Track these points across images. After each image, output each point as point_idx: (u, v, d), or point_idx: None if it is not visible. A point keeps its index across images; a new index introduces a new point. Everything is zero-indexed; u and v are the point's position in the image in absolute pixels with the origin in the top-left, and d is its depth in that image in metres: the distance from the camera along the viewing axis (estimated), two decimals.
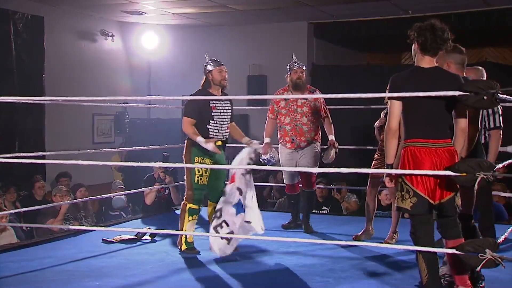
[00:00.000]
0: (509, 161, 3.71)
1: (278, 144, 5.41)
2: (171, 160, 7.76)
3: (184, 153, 4.58)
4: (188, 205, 4.49)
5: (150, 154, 7.22)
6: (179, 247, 4.54)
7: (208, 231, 4.42)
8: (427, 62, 3.18)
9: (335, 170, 3.32)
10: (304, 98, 5.23)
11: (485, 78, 4.39)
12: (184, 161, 4.57)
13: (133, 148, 6.64)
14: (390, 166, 3.22)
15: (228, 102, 4.61)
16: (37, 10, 8.47)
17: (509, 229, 3.44)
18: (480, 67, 4.36)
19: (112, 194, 6.85)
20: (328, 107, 5.42)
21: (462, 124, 3.18)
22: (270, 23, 10.07)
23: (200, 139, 4.37)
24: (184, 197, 4.56)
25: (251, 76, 10.30)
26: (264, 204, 8.25)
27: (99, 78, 9.63)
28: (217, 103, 4.50)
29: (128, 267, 4.16)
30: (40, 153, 6.14)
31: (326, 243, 4.61)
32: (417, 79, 3.15)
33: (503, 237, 3.18)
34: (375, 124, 4.93)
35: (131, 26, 10.34)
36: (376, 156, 4.89)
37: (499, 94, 2.95)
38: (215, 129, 4.50)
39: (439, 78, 3.14)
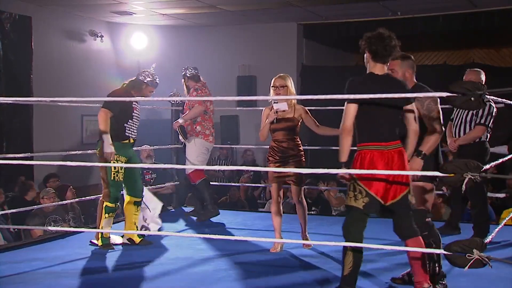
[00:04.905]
0: (497, 161, 3.75)
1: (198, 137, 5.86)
2: (158, 160, 7.75)
3: (99, 150, 4.64)
4: (105, 203, 4.63)
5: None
6: (96, 243, 4.69)
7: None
8: (378, 69, 3.34)
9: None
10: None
11: (483, 80, 4.62)
12: (98, 158, 4.69)
13: None
14: (344, 164, 3.28)
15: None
16: (24, 10, 8.41)
17: (496, 229, 3.47)
18: (480, 70, 4.81)
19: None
20: (316, 108, 5.43)
21: (414, 126, 3.34)
22: (260, 23, 10.08)
23: (107, 139, 4.48)
24: (102, 195, 4.69)
25: (241, 76, 10.30)
26: (254, 204, 8.26)
27: (88, 78, 9.57)
28: (137, 105, 4.77)
29: (117, 269, 4.15)
30: (28, 154, 6.10)
31: (315, 243, 4.62)
32: (371, 85, 3.29)
33: (490, 237, 3.21)
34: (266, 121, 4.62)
35: (120, 26, 10.29)
36: (272, 158, 4.58)
37: (486, 96, 2.98)
38: (131, 128, 4.71)
39: (390, 84, 3.31)
